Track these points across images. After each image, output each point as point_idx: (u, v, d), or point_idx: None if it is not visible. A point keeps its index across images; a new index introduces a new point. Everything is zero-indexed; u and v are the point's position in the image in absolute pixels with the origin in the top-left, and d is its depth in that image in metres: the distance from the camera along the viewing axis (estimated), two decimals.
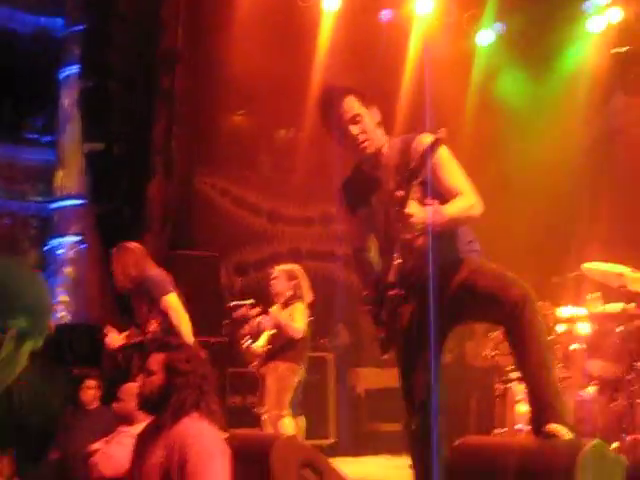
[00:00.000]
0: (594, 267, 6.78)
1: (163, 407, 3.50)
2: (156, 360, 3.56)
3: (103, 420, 6.84)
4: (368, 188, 3.95)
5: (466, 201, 3.73)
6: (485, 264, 3.82)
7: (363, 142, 3.87)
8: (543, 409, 3.53)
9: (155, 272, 6.25)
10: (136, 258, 6.26)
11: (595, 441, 3.04)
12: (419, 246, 3.69)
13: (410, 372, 3.91)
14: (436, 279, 3.73)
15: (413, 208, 3.56)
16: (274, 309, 7.32)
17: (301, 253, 11.76)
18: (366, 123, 3.88)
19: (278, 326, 7.26)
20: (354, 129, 3.85)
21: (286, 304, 7.36)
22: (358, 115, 3.86)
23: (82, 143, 11.05)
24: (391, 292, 3.75)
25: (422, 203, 3.62)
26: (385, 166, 3.90)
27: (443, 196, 3.68)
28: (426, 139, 3.81)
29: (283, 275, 7.44)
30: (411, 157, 3.77)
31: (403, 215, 3.55)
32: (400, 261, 3.71)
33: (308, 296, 7.44)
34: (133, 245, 6.41)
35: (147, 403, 3.61)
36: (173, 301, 6.06)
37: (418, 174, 3.56)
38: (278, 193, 12.00)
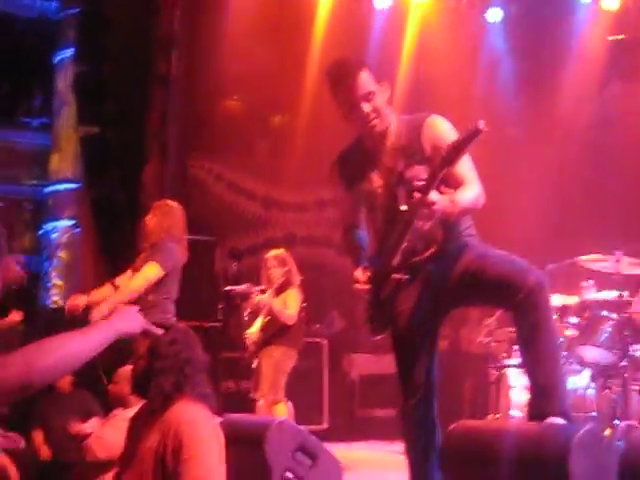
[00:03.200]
0: (590, 258, 6.81)
1: (148, 391, 3.49)
2: (144, 344, 3.54)
3: (79, 403, 6.88)
4: (368, 163, 3.90)
5: (475, 191, 3.70)
6: (491, 249, 3.80)
7: (373, 120, 3.80)
8: (545, 398, 3.50)
9: (171, 245, 6.10)
10: (178, 222, 6.16)
11: (590, 425, 3.04)
12: (425, 230, 3.65)
13: (408, 356, 3.90)
14: (441, 263, 3.72)
15: (435, 196, 3.49)
16: (267, 296, 7.33)
17: (295, 239, 11.74)
18: (378, 101, 3.80)
19: (271, 313, 7.29)
20: (366, 106, 3.77)
21: (279, 290, 7.38)
22: (371, 92, 3.78)
23: (77, 127, 11.01)
24: (395, 275, 3.72)
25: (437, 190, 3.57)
26: (391, 145, 3.85)
27: (449, 182, 3.62)
28: (438, 121, 3.79)
29: (277, 262, 7.46)
30: (423, 140, 3.74)
31: (426, 201, 3.46)
32: (406, 245, 3.67)
33: (297, 279, 7.47)
34: (179, 207, 6.27)
35: (134, 387, 3.61)
36: (149, 269, 5.92)
37: (451, 163, 3.44)
38: (273, 178, 11.97)
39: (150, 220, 6.07)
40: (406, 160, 3.76)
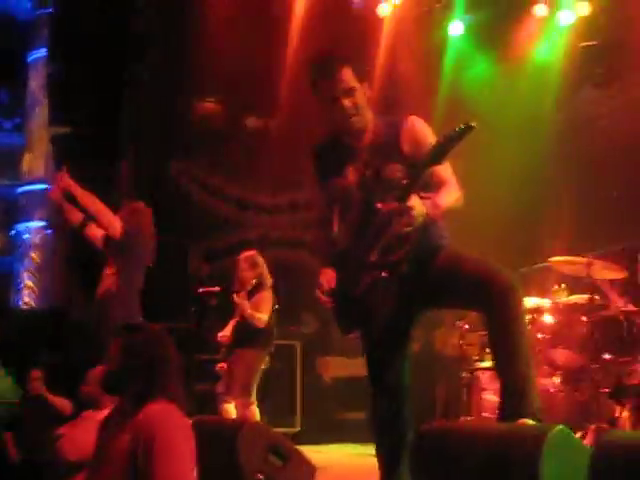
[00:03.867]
0: (561, 259, 6.87)
1: (121, 391, 3.50)
2: (116, 343, 3.54)
3: (51, 404, 6.86)
4: (345, 159, 3.90)
5: (454, 192, 3.72)
6: (464, 252, 3.82)
7: (353, 117, 3.80)
8: (515, 401, 3.51)
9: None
10: (146, 223, 6.21)
11: (560, 427, 3.06)
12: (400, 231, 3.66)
13: (380, 357, 3.90)
14: (415, 264, 3.72)
15: (414, 201, 3.51)
16: (239, 298, 7.31)
17: (270, 240, 11.75)
18: (358, 98, 3.81)
19: (242, 316, 7.28)
20: (346, 102, 3.78)
21: (252, 292, 7.37)
22: (352, 88, 3.79)
23: (49, 127, 10.96)
24: (373, 273, 3.71)
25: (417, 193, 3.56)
26: (369, 142, 3.86)
27: (429, 181, 3.63)
28: (418, 123, 3.82)
29: (248, 264, 7.45)
30: (401, 139, 3.77)
31: (405, 208, 3.49)
32: (383, 242, 3.67)
33: (269, 281, 7.46)
34: (147, 207, 6.33)
35: (105, 386, 3.61)
36: (114, 218, 6.01)
37: (439, 160, 3.47)
38: (248, 180, 11.97)
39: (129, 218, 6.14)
40: (383, 158, 3.78)
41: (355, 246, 3.82)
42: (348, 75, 3.79)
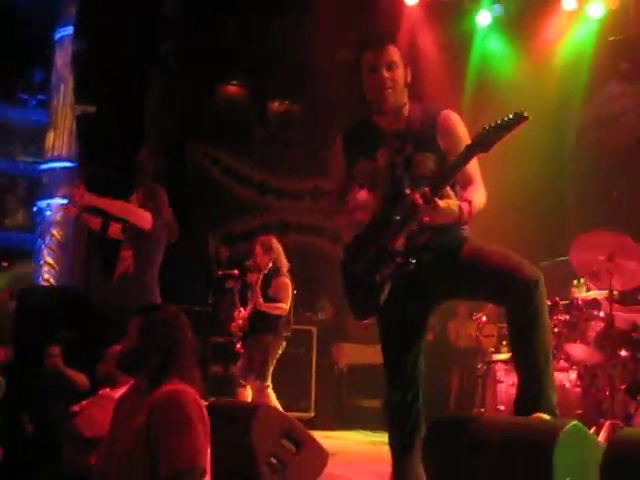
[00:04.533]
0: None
1: (135, 370, 3.53)
2: (135, 323, 3.57)
3: (68, 381, 6.89)
4: (376, 141, 3.87)
5: (482, 193, 3.70)
6: (487, 244, 3.79)
7: (388, 89, 3.77)
8: (533, 395, 3.51)
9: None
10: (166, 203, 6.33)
11: (574, 422, 3.06)
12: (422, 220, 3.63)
13: (396, 345, 3.90)
14: (437, 254, 3.69)
15: (448, 203, 3.51)
16: (255, 295, 7.32)
17: (289, 226, 11.76)
18: (398, 74, 3.80)
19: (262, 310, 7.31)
20: (386, 73, 3.77)
21: (268, 277, 7.38)
22: (395, 63, 3.79)
23: (74, 105, 10.99)
24: (398, 260, 3.66)
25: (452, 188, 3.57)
26: (403, 127, 3.83)
27: (457, 178, 3.61)
28: (454, 116, 3.80)
29: (264, 248, 7.46)
30: (436, 129, 3.75)
31: (432, 198, 3.46)
32: (410, 231, 3.63)
33: (285, 266, 7.47)
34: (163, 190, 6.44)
35: (120, 365, 3.63)
36: (142, 211, 6.11)
37: (486, 148, 3.45)
38: (270, 165, 11.97)
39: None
40: (416, 146, 3.75)
41: (378, 232, 3.76)
42: (394, 51, 3.81)
